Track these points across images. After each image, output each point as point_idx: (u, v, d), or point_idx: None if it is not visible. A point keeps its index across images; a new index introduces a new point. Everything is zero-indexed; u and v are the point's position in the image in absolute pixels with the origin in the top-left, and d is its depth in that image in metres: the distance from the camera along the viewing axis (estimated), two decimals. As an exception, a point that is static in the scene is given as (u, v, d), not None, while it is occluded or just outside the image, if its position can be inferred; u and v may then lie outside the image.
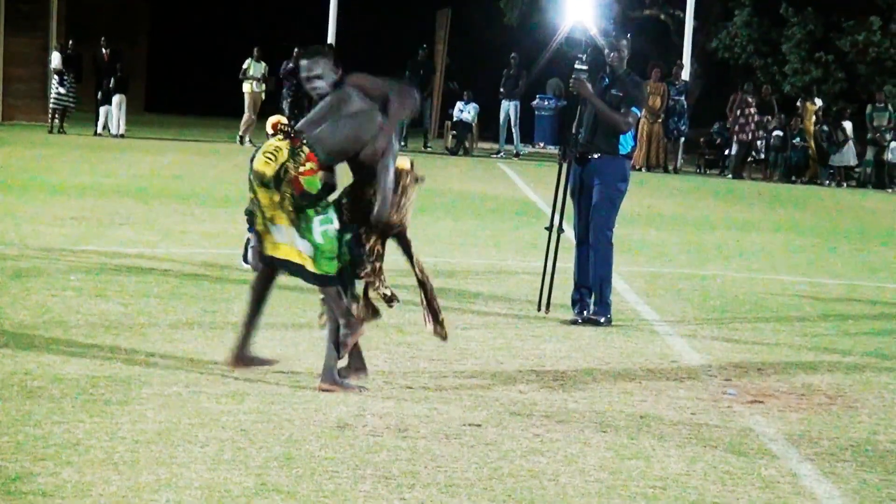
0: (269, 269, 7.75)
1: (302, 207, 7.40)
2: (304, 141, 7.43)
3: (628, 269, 13.24)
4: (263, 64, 31.59)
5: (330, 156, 7.53)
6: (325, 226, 7.45)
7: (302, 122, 7.63)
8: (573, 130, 10.59)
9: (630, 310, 10.98)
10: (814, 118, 31.17)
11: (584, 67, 10.53)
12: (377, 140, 7.61)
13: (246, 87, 31.44)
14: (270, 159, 7.40)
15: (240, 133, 31.19)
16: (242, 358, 7.77)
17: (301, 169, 7.39)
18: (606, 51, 10.66)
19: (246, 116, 31.04)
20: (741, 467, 6.43)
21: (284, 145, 7.44)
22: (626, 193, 10.58)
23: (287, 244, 7.45)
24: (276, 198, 7.39)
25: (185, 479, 5.69)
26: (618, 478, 6.13)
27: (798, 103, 32.04)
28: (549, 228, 10.80)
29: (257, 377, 7.69)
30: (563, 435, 6.83)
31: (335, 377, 7.51)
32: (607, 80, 10.58)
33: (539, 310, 10.56)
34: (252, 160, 7.49)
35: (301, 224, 7.41)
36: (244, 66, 31.52)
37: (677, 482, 6.12)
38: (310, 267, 7.44)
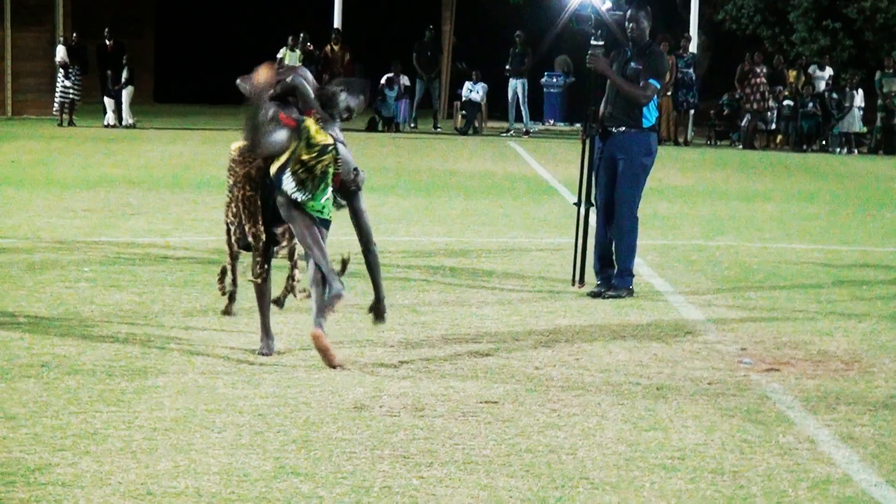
0: None
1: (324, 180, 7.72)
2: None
3: (641, 242, 13.11)
4: (298, 52, 30.75)
5: None
6: (329, 200, 7.78)
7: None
8: (601, 106, 10.60)
9: (644, 282, 10.97)
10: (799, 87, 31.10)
11: (601, 43, 10.58)
12: None
13: None
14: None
15: None
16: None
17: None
18: (626, 23, 10.66)
19: None
20: (759, 435, 6.43)
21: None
22: (651, 168, 10.58)
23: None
24: (309, 160, 7.61)
25: (204, 465, 5.71)
26: (636, 450, 6.13)
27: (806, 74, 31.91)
28: (578, 204, 10.84)
29: (273, 361, 7.71)
30: (580, 409, 6.84)
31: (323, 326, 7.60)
32: (629, 52, 10.59)
33: (573, 284, 10.60)
34: (305, 130, 7.63)
35: (318, 190, 7.67)
36: (279, 55, 30.69)
37: (695, 452, 6.12)
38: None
